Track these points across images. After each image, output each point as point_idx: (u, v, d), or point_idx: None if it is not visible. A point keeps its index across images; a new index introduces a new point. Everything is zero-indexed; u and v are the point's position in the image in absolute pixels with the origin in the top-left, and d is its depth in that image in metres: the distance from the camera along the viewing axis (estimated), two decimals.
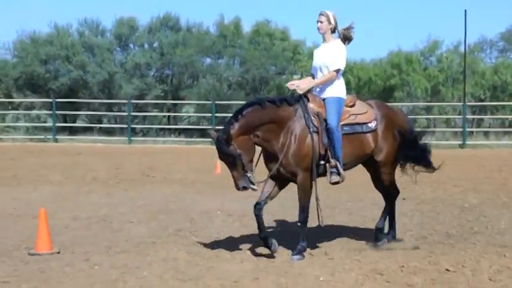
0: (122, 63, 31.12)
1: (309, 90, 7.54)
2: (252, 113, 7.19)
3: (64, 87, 30.27)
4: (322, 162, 7.32)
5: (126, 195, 11.92)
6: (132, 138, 26.81)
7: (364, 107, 7.75)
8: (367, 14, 71.81)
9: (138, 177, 14.75)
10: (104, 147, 24.68)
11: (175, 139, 27.32)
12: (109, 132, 28.71)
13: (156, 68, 31.66)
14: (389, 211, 8.14)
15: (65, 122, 29.69)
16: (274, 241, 7.22)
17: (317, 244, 7.80)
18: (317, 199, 7.27)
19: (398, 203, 10.94)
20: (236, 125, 7.08)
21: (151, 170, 16.17)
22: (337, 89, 7.58)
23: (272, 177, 7.38)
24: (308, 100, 7.44)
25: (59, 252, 7.36)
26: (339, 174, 7.35)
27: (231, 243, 7.86)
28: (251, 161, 7.20)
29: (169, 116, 31.21)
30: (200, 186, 13.39)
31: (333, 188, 11.29)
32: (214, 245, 7.72)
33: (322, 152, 7.28)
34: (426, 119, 30.18)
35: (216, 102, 27.70)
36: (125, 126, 27.66)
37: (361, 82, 31.09)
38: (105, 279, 6.31)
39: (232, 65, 32.26)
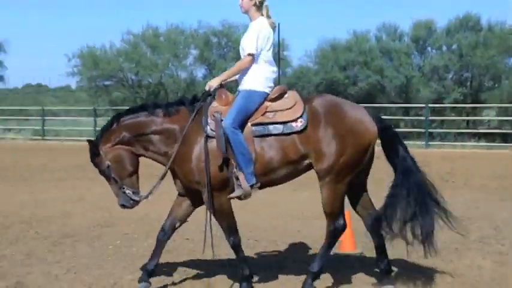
0: (420, 66, 30.92)
1: (222, 85, 6.14)
2: (133, 121, 6.09)
3: (362, 92, 31.02)
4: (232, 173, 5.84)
5: None
6: (429, 143, 26.38)
7: (292, 100, 5.95)
8: None
9: (437, 182, 14.41)
10: None
11: (475, 144, 26.18)
12: (405, 136, 28.56)
13: (454, 71, 30.82)
14: (324, 248, 6.07)
15: None
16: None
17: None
18: (208, 223, 5.97)
19: None
20: (108, 134, 6.07)
21: (450, 174, 15.73)
22: (252, 80, 6.03)
23: (180, 194, 6.31)
24: (214, 98, 6.07)
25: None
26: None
27: None
28: (130, 175, 6.04)
29: (468, 120, 30.09)
30: (504, 193, 12.67)
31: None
32: None
33: (219, 162, 5.81)
34: None
35: None
36: (422, 130, 27.31)
37: None
38: None
39: None
